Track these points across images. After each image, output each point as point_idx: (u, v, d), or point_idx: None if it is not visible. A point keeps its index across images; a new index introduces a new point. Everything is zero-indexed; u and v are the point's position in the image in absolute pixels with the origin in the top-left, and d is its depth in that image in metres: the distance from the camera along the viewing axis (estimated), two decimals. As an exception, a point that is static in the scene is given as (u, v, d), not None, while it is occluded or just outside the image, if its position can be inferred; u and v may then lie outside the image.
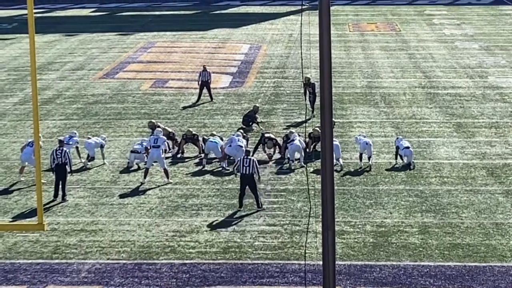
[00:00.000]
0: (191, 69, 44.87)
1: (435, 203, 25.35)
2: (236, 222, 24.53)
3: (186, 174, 29.57)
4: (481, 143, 31.58)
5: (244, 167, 25.76)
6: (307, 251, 20.21)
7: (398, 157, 29.27)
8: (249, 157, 26.27)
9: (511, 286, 20.10)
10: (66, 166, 27.19)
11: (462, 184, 27.05)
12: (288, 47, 51.28)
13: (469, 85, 41.46)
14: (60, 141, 27.85)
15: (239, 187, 25.83)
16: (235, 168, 27.31)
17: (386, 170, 28.81)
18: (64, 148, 27.31)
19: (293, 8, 66.10)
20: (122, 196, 26.95)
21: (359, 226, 23.66)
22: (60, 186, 26.72)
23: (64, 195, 26.59)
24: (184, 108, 37.66)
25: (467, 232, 23.08)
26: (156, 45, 55.21)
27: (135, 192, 27.29)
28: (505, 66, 45.52)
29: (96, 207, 26.12)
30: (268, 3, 74.06)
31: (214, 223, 24.39)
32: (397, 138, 30.42)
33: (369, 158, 29.18)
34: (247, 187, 25.61)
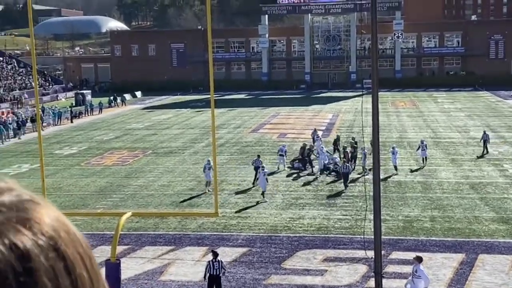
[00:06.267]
0: (300, 127, 43.33)
1: (438, 204, 23.33)
2: (324, 213, 22.69)
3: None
4: (466, 170, 28.80)
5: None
6: (365, 230, 18.38)
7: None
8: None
9: (482, 250, 18.68)
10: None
11: (455, 193, 24.92)
12: (354, 115, 49.54)
13: (458, 137, 38.18)
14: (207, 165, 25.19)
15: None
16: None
17: (410, 183, 26.68)
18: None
19: (356, 93, 64.34)
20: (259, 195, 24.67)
21: (395, 216, 21.95)
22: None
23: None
24: (296, 148, 34.33)
25: (458, 221, 21.29)
26: (280, 114, 52.89)
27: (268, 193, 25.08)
28: (480, 126, 41.99)
29: (246, 204, 24.28)
30: (342, 91, 70.94)
31: (311, 214, 22.65)
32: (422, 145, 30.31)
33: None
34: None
